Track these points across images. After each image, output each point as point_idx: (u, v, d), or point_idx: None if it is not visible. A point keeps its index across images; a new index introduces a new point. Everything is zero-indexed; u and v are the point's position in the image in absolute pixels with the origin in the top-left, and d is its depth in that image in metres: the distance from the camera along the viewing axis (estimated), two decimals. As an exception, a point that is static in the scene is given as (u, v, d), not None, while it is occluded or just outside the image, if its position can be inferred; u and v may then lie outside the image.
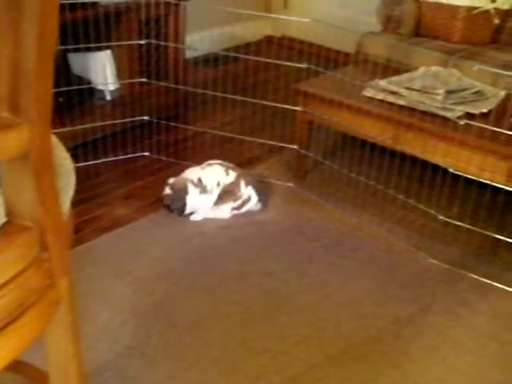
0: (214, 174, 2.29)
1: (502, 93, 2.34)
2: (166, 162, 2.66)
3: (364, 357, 1.73)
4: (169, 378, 1.62)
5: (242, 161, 2.70)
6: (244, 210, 2.32)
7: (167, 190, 2.25)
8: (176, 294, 1.92)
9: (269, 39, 4.32)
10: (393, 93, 2.31)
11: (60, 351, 0.87)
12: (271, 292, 1.96)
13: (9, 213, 0.72)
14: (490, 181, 2.08)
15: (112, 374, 1.63)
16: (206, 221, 2.29)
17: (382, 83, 2.37)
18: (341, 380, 1.65)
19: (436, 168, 2.25)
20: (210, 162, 2.35)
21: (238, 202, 2.29)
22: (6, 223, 0.72)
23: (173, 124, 2.91)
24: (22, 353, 1.31)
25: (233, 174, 2.30)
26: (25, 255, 0.71)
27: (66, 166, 0.82)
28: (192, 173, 2.30)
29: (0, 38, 0.64)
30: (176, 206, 2.24)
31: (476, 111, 2.19)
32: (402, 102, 2.27)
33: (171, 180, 2.27)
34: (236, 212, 2.31)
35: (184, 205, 2.24)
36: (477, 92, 2.29)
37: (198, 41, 3.73)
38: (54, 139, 0.84)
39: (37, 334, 0.76)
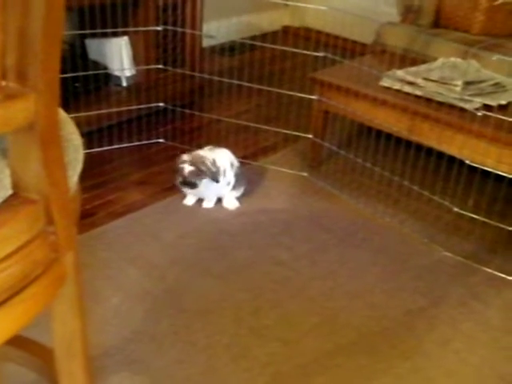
0: (225, 156, 2.27)
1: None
2: (181, 149, 2.65)
3: (374, 347, 1.72)
4: (178, 363, 1.62)
5: (256, 149, 2.69)
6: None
7: (188, 167, 2.17)
8: (187, 280, 1.92)
9: (286, 30, 4.30)
10: (410, 83, 2.29)
11: (65, 327, 0.87)
12: (282, 280, 1.95)
13: (15, 185, 0.72)
14: (507, 174, 2.05)
15: (121, 358, 1.63)
16: (218, 208, 2.28)
17: (400, 73, 2.34)
18: (351, 370, 1.64)
19: (452, 160, 2.22)
20: (210, 146, 2.32)
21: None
22: (11, 195, 0.72)
23: (188, 111, 2.90)
24: (31, 332, 1.31)
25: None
26: (30, 228, 0.71)
27: (73, 141, 0.81)
28: (205, 153, 2.25)
29: (8, 6, 0.64)
30: (209, 176, 2.18)
31: (494, 103, 2.16)
32: (419, 93, 2.24)
33: (186, 156, 2.21)
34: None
35: (216, 172, 2.20)
36: (496, 84, 2.26)
37: (215, 30, 3.71)
38: (63, 114, 0.84)
39: (41, 307, 0.75)
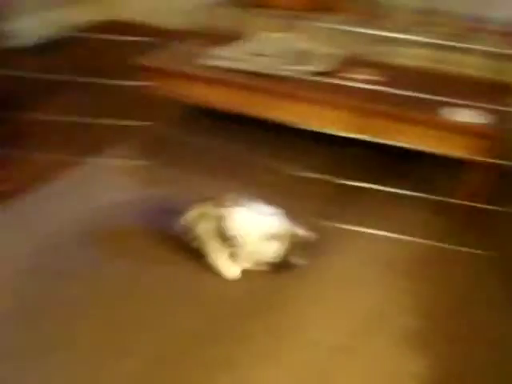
0: None
1: (341, 52, 2.47)
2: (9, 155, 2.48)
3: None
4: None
5: (92, 146, 2.57)
6: None
7: None
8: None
9: (102, 25, 4.14)
10: (236, 60, 2.35)
11: None
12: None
13: None
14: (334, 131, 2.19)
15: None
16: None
17: (225, 52, 2.40)
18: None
19: (286, 127, 2.31)
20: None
21: None
22: None
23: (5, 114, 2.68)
24: None
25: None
26: None
27: None
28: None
29: None
30: None
31: (313, 69, 2.29)
32: (244, 67, 2.31)
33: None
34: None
35: None
36: (312, 53, 2.40)
37: (24, 28, 3.52)
38: None
39: None
